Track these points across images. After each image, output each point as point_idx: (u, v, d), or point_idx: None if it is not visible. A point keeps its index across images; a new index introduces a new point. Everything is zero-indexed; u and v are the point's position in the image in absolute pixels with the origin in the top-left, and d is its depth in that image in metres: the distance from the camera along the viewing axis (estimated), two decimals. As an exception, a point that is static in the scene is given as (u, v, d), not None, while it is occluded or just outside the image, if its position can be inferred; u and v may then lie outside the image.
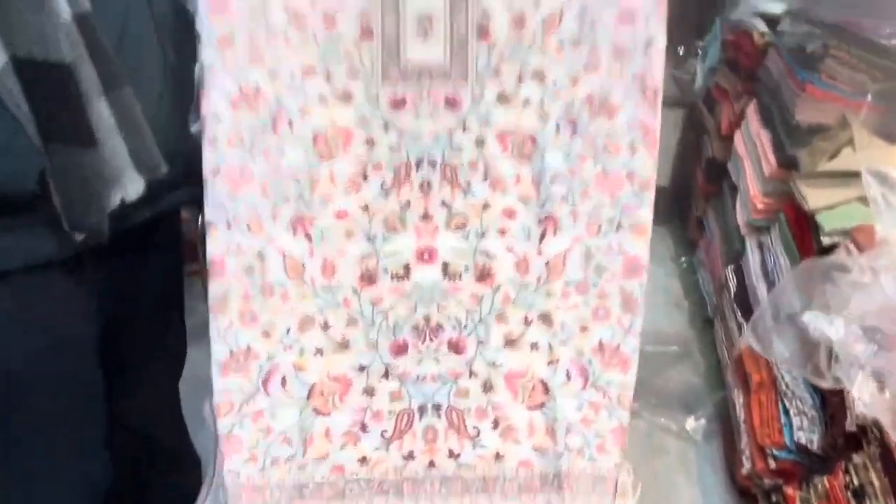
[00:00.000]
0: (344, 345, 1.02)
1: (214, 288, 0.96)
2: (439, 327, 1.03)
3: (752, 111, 2.23)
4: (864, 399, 1.25)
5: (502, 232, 0.99)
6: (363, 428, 1.06)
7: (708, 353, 2.32)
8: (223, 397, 1.01)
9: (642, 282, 1.02)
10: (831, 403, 1.46)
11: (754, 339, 1.43)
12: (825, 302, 1.30)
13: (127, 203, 0.90)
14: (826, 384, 1.37)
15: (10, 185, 0.84)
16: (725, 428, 1.99)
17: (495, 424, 1.08)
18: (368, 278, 0.99)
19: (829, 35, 1.84)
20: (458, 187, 0.97)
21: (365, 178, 0.96)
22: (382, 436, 1.06)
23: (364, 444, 1.07)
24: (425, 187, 0.97)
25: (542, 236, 1.00)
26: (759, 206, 2.01)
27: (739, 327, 2.05)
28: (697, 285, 2.58)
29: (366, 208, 0.97)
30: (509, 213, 0.99)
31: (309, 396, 1.03)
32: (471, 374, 1.05)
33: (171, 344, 1.28)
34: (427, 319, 1.02)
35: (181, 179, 0.97)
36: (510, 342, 1.04)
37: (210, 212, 0.94)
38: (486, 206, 0.98)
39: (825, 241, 1.61)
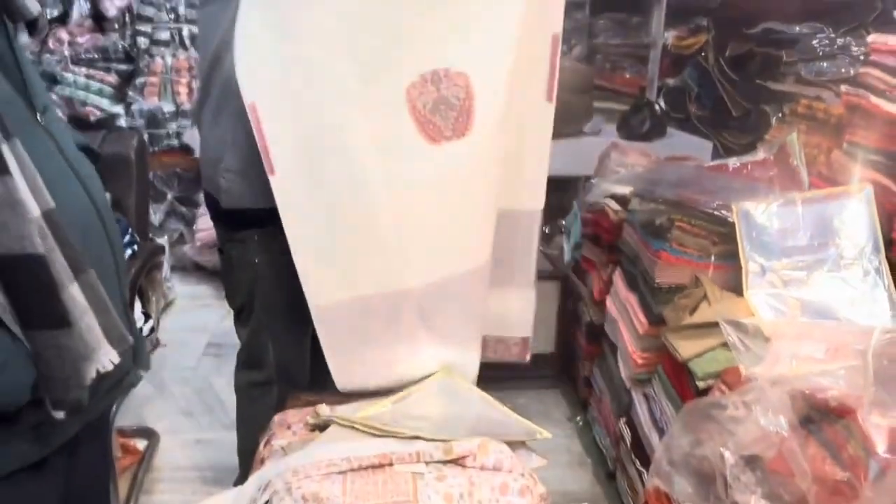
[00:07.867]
0: None
1: None
2: None
3: (618, 278, 2.52)
4: (760, 522, 1.39)
5: None
6: None
7: (616, 504, 2.42)
8: None
9: None
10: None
11: (659, 480, 1.57)
12: (711, 437, 1.47)
13: (102, 373, 0.95)
14: (727, 512, 1.51)
15: (6, 398, 0.88)
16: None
17: None
18: None
19: (671, 210, 2.18)
20: None
21: None
22: None
23: None
24: None
25: None
26: (639, 361, 2.24)
27: (640, 475, 2.19)
28: (595, 441, 2.72)
29: None
30: None
31: None
32: None
33: None
34: None
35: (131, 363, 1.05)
36: None
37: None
38: None
39: (700, 384, 1.83)
